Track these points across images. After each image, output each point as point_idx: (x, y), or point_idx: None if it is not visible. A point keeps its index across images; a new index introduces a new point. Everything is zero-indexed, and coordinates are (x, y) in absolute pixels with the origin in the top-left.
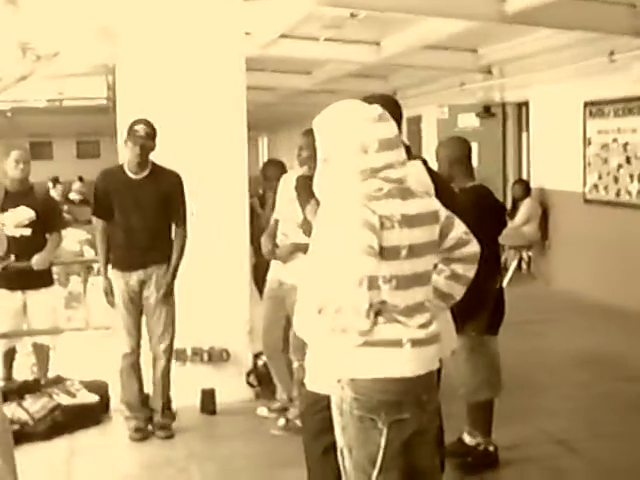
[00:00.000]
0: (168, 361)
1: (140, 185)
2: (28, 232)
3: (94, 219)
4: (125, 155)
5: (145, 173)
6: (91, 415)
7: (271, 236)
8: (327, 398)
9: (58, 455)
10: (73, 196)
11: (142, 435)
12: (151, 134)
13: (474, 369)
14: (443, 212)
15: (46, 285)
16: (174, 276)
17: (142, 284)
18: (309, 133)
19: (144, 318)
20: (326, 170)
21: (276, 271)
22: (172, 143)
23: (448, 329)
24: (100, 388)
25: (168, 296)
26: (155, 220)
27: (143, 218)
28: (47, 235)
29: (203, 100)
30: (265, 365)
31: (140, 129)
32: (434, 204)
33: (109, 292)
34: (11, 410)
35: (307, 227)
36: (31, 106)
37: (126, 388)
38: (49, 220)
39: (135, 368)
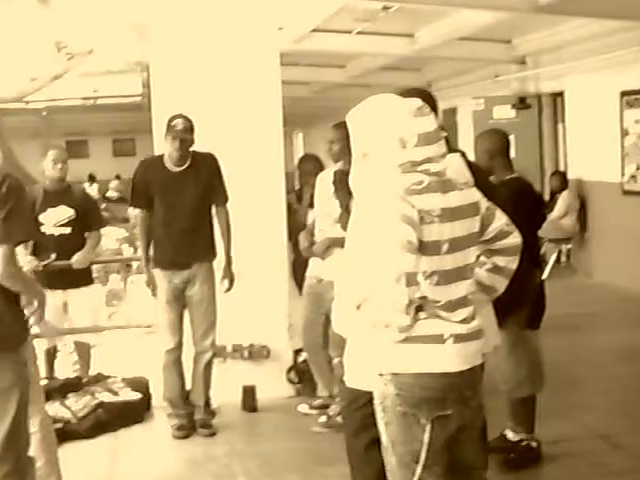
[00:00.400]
0: (212, 357)
1: (181, 178)
2: (67, 231)
3: (132, 210)
4: (165, 150)
5: (186, 165)
6: (133, 413)
7: (309, 233)
8: (367, 394)
9: (101, 453)
10: (111, 194)
11: (185, 433)
12: (189, 128)
13: (516, 364)
14: (484, 203)
15: (86, 284)
16: (230, 261)
17: (186, 282)
18: (340, 126)
19: (186, 314)
20: (365, 164)
21: (315, 267)
22: (208, 139)
23: (491, 324)
24: (142, 385)
25: (213, 291)
26: (198, 214)
27: (186, 213)
28: (86, 234)
29: (238, 96)
30: (305, 362)
31: (178, 124)
32: (475, 195)
33: (152, 285)
34: (54, 409)
35: (345, 221)
36: (66, 104)
37: (169, 385)
38: (88, 219)
39: (178, 365)
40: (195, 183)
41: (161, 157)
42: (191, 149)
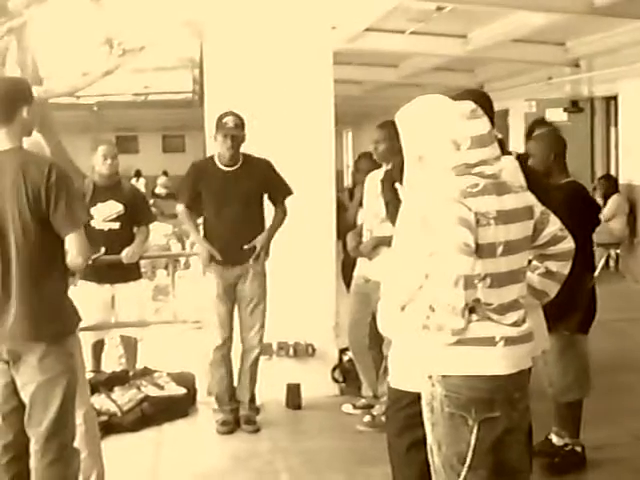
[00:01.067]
0: (259, 354)
1: (234, 177)
2: (116, 226)
3: (179, 207)
4: (216, 149)
5: (238, 165)
6: (178, 407)
7: (357, 233)
8: (411, 395)
9: (145, 447)
10: (159, 190)
11: (229, 428)
12: (240, 125)
13: (564, 369)
14: (538, 207)
15: (134, 278)
16: (269, 240)
17: (238, 278)
18: (385, 126)
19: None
20: (419, 167)
21: (362, 267)
22: (260, 137)
23: (540, 328)
24: (187, 380)
25: (264, 288)
26: (251, 212)
27: (238, 211)
28: (135, 229)
29: (291, 94)
30: (350, 361)
31: (229, 121)
32: (530, 199)
33: (209, 254)
34: (100, 401)
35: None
36: (117, 100)
37: (216, 380)
38: (137, 214)
39: (226, 361)
40: (248, 182)
41: (212, 157)
42: (243, 150)
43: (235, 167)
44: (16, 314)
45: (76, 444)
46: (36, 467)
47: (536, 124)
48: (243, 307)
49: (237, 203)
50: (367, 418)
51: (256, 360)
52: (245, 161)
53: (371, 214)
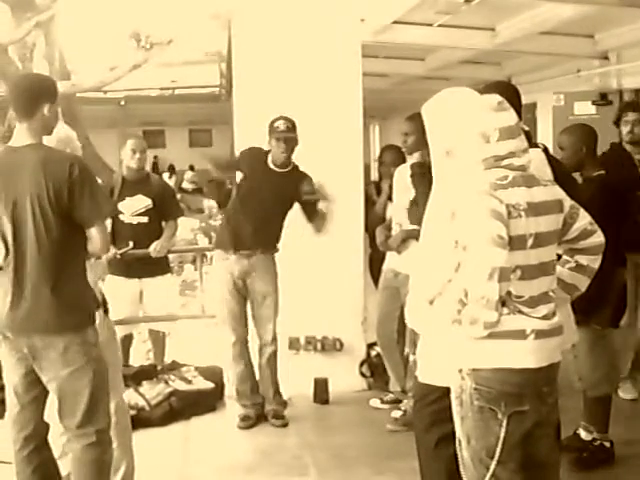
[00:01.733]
0: (274, 350)
1: (281, 179)
2: (145, 220)
3: (207, 202)
4: (271, 152)
5: (288, 169)
6: (206, 401)
7: (386, 227)
8: (439, 390)
9: (173, 441)
10: (186, 185)
11: (249, 424)
12: (292, 128)
13: (595, 363)
14: (567, 201)
15: (162, 273)
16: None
17: (247, 273)
18: (414, 118)
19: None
20: (448, 161)
21: (391, 261)
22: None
23: (569, 322)
24: (215, 375)
25: (274, 284)
26: (280, 214)
27: (267, 210)
28: (163, 223)
29: (320, 87)
30: (378, 355)
31: (280, 124)
32: (558, 192)
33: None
34: (128, 395)
35: (414, 215)
36: (144, 94)
37: (236, 376)
38: (166, 208)
39: (244, 356)
40: (289, 188)
41: (267, 153)
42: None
43: (285, 170)
44: (35, 307)
45: None
46: (74, 451)
47: None
48: (255, 303)
49: (273, 203)
50: (397, 413)
51: (272, 355)
52: (294, 168)
53: (400, 207)
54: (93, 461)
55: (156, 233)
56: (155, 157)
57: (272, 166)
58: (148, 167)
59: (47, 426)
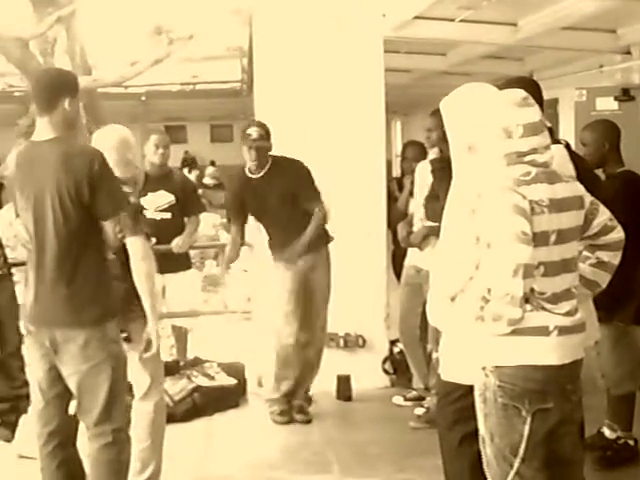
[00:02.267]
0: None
1: (261, 184)
2: (168, 216)
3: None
4: (246, 161)
5: (264, 171)
6: (229, 398)
7: (407, 223)
8: (462, 388)
9: (196, 437)
10: (207, 181)
11: (287, 419)
12: (265, 136)
13: (618, 360)
14: (588, 197)
15: (184, 268)
16: (305, 247)
17: (301, 273)
18: (438, 114)
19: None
20: (470, 157)
21: (413, 257)
22: (310, 126)
23: (591, 318)
24: (238, 371)
25: (328, 280)
26: (291, 211)
27: (277, 213)
28: (186, 219)
29: (341, 82)
30: (401, 352)
31: (253, 132)
32: (579, 189)
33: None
34: None
35: (430, 211)
36: (165, 89)
37: (283, 370)
38: (188, 204)
39: (294, 355)
40: (276, 184)
41: (242, 168)
42: (270, 154)
43: (261, 174)
44: (57, 299)
45: (140, 433)
46: (90, 449)
47: None
48: (314, 299)
49: (271, 206)
50: (420, 410)
51: (322, 349)
52: (273, 164)
53: (422, 203)
54: (109, 462)
55: (179, 229)
56: (186, 152)
57: (249, 174)
58: (178, 163)
59: (72, 422)
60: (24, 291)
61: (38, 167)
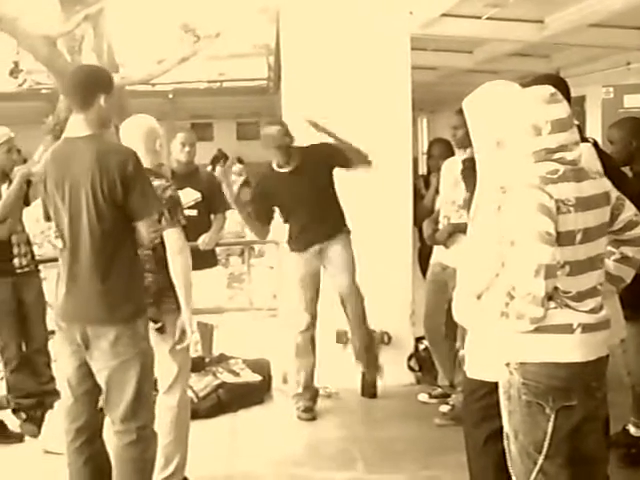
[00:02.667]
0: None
1: (291, 177)
2: (194, 213)
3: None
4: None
5: (294, 164)
6: (254, 394)
7: (433, 221)
8: (488, 385)
9: (221, 433)
10: (233, 178)
11: (312, 415)
12: (283, 131)
13: None
14: (614, 193)
15: (211, 265)
16: None
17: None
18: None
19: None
20: (498, 151)
21: (439, 254)
22: (337, 123)
23: (617, 316)
24: (263, 367)
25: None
26: (321, 202)
27: (308, 207)
28: (212, 216)
29: (369, 80)
30: (427, 349)
31: (272, 131)
32: (606, 184)
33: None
34: None
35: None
36: (192, 87)
37: (302, 365)
38: (214, 201)
39: (313, 344)
40: (309, 174)
41: (269, 163)
42: (293, 146)
43: (290, 167)
44: (89, 296)
45: (165, 427)
46: (115, 446)
47: None
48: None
49: (305, 199)
50: (445, 408)
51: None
52: (300, 155)
53: (448, 201)
54: (133, 460)
55: (205, 226)
56: (219, 150)
57: (278, 169)
58: (205, 160)
59: (100, 418)
60: (56, 287)
61: (73, 164)
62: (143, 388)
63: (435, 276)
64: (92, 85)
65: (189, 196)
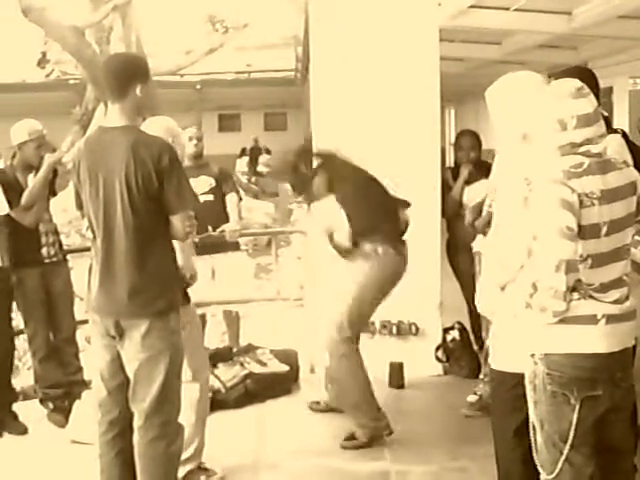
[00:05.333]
0: None
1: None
2: (211, 197)
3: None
4: None
5: None
6: (281, 384)
7: (476, 209)
8: (516, 376)
9: (248, 423)
10: (261, 169)
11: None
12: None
13: None
14: None
15: (232, 249)
16: None
17: None
18: None
19: None
20: (524, 144)
21: (479, 243)
22: (365, 114)
23: None
24: (290, 357)
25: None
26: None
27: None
28: (225, 197)
29: (397, 71)
30: (454, 340)
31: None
32: (632, 174)
33: None
34: None
35: None
36: (220, 78)
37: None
38: (226, 183)
39: None
40: None
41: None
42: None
43: None
44: (123, 289)
45: (185, 411)
46: (138, 442)
47: None
48: None
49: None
50: (472, 398)
51: None
52: None
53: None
54: (155, 456)
55: (221, 208)
56: (255, 140)
57: None
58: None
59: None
60: (88, 280)
61: (108, 155)
62: (171, 383)
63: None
64: (128, 74)
65: (204, 183)
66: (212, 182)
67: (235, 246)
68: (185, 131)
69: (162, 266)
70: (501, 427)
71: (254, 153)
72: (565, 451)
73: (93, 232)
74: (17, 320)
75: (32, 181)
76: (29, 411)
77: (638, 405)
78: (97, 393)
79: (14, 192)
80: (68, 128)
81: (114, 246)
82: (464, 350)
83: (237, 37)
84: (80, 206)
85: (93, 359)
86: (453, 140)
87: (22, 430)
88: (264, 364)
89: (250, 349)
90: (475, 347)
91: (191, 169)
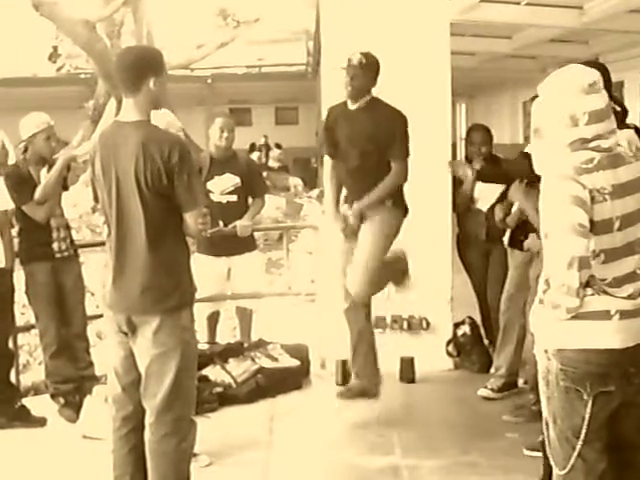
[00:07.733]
0: None
1: (353, 116)
2: (234, 198)
3: (292, 180)
4: None
5: (358, 104)
6: (292, 379)
7: (506, 205)
8: None
9: (259, 418)
10: (272, 163)
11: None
12: (365, 65)
13: None
14: None
15: (250, 250)
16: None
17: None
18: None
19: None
20: (535, 139)
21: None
22: None
23: None
24: (301, 352)
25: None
26: (370, 156)
27: (355, 154)
28: (250, 201)
29: (408, 65)
30: (465, 335)
31: (354, 58)
32: None
33: (345, 229)
34: (215, 373)
35: None
36: (231, 72)
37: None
38: (253, 185)
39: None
40: (366, 124)
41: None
42: (370, 92)
43: (356, 106)
44: (135, 285)
45: None
46: (149, 439)
47: None
48: None
49: (355, 144)
50: (484, 392)
51: None
52: (371, 102)
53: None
54: (166, 453)
55: (245, 210)
56: (265, 137)
57: (349, 105)
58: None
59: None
60: (103, 275)
61: (121, 150)
62: (182, 380)
63: (516, 262)
64: (142, 67)
65: (228, 181)
66: (237, 181)
67: (253, 245)
68: (215, 122)
69: (174, 263)
70: None
71: (264, 149)
72: (578, 447)
73: (108, 227)
74: (28, 315)
75: (46, 176)
76: (40, 406)
77: None
78: (111, 389)
79: (27, 186)
80: (79, 122)
81: (126, 242)
82: (475, 345)
83: (248, 31)
84: (96, 199)
85: (107, 355)
86: (464, 135)
87: (38, 422)
88: (275, 359)
89: (261, 344)
90: (486, 342)
91: (217, 164)
